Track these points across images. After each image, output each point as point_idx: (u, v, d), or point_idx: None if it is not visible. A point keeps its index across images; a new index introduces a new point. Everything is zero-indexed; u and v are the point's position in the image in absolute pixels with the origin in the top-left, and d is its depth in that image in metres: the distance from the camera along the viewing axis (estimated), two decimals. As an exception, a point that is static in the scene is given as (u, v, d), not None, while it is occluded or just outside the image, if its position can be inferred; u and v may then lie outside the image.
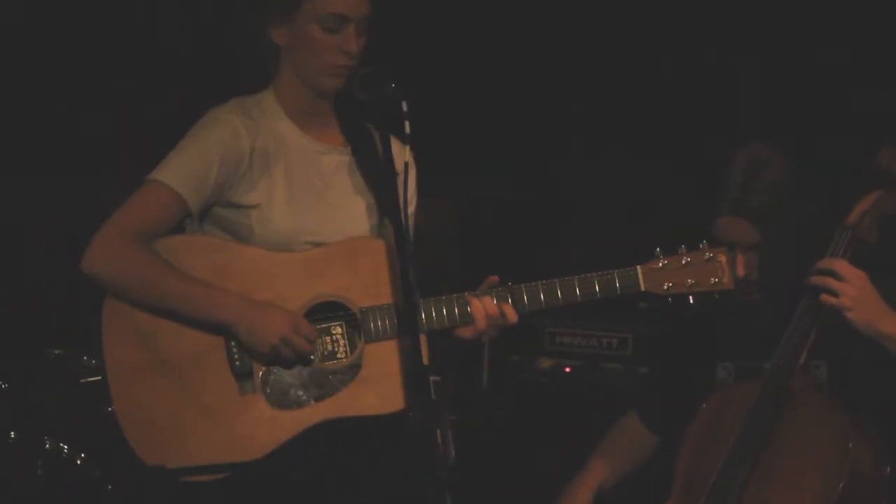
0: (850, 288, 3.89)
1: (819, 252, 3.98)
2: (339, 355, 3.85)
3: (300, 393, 3.82)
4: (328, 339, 3.85)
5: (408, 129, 3.78)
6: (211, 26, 4.21)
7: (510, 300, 3.87)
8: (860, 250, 3.97)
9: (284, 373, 3.83)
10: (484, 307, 3.85)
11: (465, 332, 3.87)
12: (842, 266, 3.91)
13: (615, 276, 3.88)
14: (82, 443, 4.64)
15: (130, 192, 3.87)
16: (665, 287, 3.89)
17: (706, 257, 3.90)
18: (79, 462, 4.65)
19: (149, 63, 5.70)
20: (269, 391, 3.81)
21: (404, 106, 3.76)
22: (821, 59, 5.52)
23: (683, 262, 3.89)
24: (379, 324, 3.83)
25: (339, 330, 3.86)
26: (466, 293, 3.87)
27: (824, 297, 3.90)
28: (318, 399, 3.81)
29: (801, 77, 5.60)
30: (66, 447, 4.64)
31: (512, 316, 3.86)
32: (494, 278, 3.90)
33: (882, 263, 4.01)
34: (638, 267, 3.89)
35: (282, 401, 3.81)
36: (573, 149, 5.95)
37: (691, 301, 3.90)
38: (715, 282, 3.90)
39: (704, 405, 4.03)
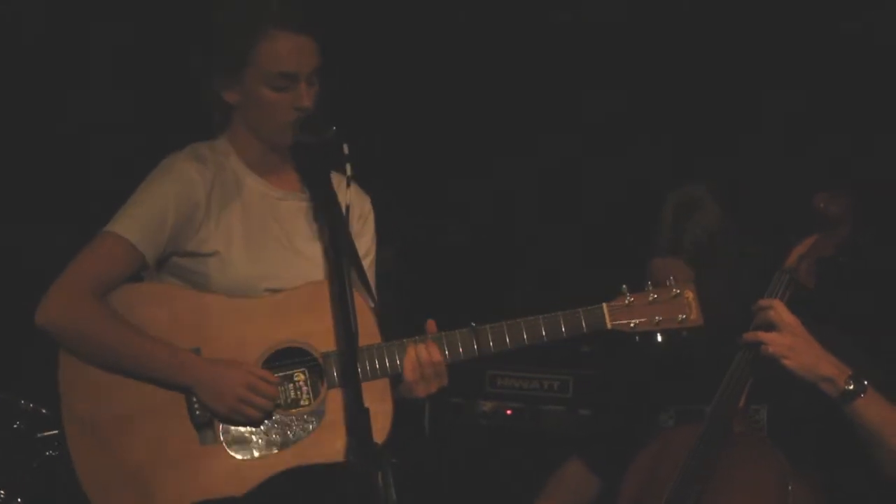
0: (783, 337, 3.90)
1: (757, 294, 4.00)
2: (302, 402, 3.81)
3: (263, 441, 3.77)
4: (291, 386, 3.82)
5: (349, 172, 3.78)
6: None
7: (475, 342, 3.81)
8: (798, 294, 4.00)
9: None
10: (416, 355, 3.81)
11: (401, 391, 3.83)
12: (777, 310, 3.93)
13: (581, 315, 3.82)
14: (19, 489, 4.60)
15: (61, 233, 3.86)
16: (632, 325, 3.83)
17: (673, 294, 3.86)
18: (15, 509, 4.61)
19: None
20: (230, 440, 3.77)
21: (346, 149, 3.76)
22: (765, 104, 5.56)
23: (650, 298, 3.85)
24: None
25: (301, 377, 3.82)
26: (405, 340, 3.83)
27: (762, 348, 3.91)
28: (282, 446, 3.77)
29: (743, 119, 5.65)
30: (2, 493, 4.59)
31: (438, 358, 3.81)
32: (432, 323, 3.86)
33: (819, 307, 4.03)
34: (604, 304, 3.83)
35: (244, 450, 3.77)
36: (517, 188, 5.96)
37: (659, 339, 3.85)
38: (682, 318, 3.85)
39: (644, 449, 4.04)
